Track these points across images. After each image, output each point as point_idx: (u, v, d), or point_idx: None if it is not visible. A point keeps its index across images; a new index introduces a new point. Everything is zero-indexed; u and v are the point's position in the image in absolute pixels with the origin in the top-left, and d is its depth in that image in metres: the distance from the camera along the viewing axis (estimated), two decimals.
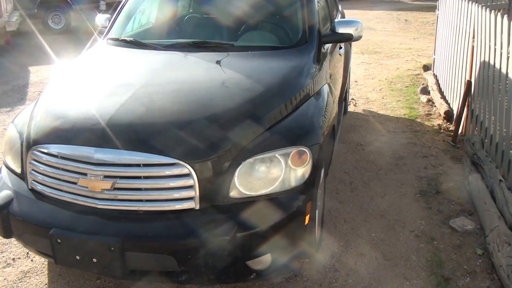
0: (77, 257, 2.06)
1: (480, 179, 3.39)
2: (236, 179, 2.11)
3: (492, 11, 3.79)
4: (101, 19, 3.63)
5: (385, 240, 2.95)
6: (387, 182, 3.72)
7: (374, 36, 10.45)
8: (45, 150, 2.21)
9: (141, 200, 2.08)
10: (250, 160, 2.13)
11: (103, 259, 2.03)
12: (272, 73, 2.63)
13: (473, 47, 4.36)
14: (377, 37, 10.36)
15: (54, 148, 2.18)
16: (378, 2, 17.06)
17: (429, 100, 5.63)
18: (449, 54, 5.45)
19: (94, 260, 2.04)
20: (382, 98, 5.94)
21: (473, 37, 4.34)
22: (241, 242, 2.04)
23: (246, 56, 2.85)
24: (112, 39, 3.29)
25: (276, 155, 2.17)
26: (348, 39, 3.16)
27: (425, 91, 5.95)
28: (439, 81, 6.01)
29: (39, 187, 2.26)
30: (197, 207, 2.07)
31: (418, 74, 6.96)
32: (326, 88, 2.96)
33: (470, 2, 4.60)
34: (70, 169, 2.13)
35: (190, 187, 2.05)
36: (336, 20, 3.19)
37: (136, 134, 2.13)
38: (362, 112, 5.43)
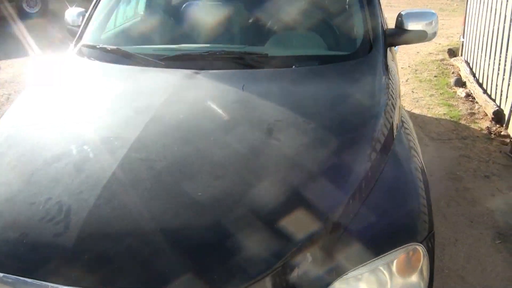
0: None
1: None
2: None
3: None
4: (72, 14, 2.63)
5: None
6: (454, 220, 2.97)
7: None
8: None
9: None
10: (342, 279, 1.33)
11: None
12: (347, 111, 1.77)
13: None
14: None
15: None
16: None
17: (468, 95, 4.86)
18: (490, 36, 4.65)
19: None
20: (412, 92, 5.15)
21: None
22: None
23: (292, 76, 1.96)
24: (87, 46, 2.32)
25: (379, 267, 1.39)
26: (421, 39, 2.34)
27: (459, 83, 5.17)
28: (474, 70, 5.24)
29: None
30: None
31: (443, 60, 6.17)
32: (405, 116, 2.12)
33: None
34: None
35: None
36: (403, 11, 2.34)
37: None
38: None
